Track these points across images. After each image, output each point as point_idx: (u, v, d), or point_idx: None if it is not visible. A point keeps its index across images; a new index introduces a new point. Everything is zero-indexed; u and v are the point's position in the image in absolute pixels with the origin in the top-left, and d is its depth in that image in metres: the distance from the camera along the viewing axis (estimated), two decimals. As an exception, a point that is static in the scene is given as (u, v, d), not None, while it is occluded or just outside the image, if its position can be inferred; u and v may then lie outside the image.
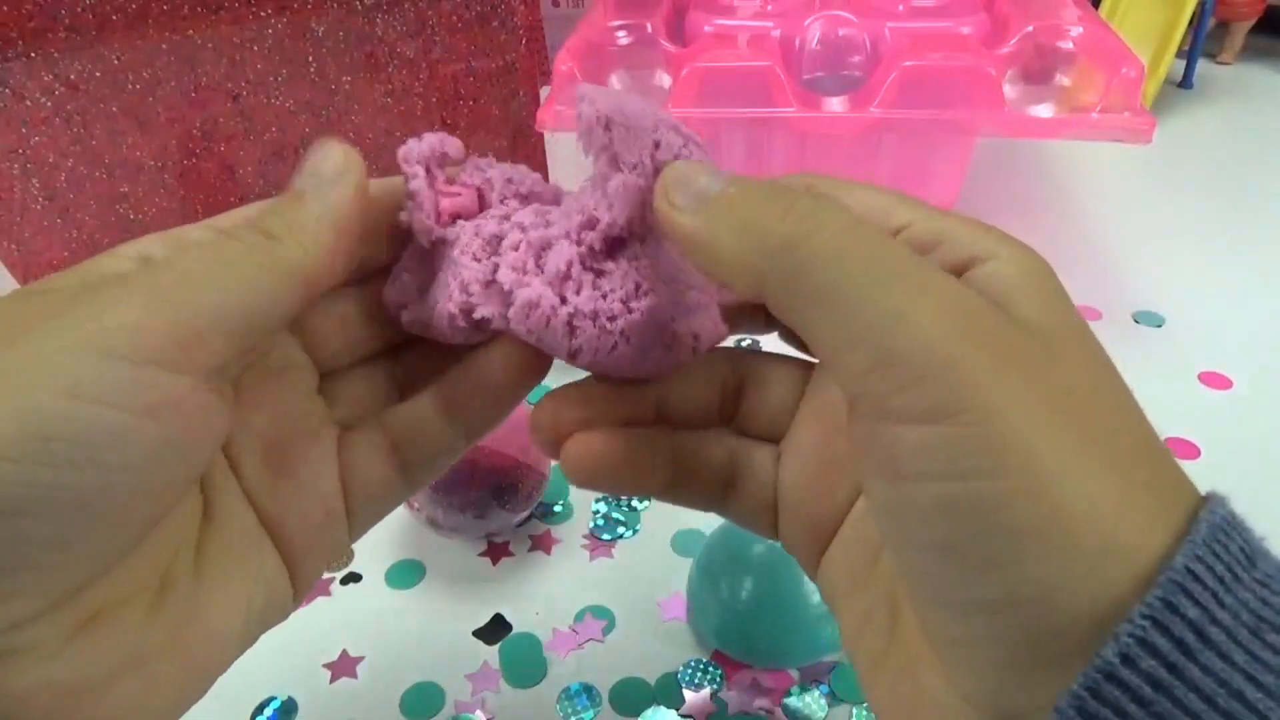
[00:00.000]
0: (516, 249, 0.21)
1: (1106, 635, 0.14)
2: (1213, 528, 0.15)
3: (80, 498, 0.15)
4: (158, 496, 0.17)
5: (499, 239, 0.21)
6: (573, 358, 0.20)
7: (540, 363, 0.22)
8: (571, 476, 0.21)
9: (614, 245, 0.21)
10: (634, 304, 0.20)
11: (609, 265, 0.21)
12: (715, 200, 0.18)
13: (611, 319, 0.20)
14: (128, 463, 0.16)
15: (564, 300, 0.20)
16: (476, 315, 0.21)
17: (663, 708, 0.33)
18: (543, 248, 0.21)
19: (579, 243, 0.20)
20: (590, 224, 0.20)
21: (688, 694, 0.33)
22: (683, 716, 0.33)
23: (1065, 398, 0.16)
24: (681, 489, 0.23)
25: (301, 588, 0.22)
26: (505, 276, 0.20)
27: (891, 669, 0.19)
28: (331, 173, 0.20)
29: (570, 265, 0.20)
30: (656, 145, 0.19)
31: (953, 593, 0.16)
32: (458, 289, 0.21)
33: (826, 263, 0.16)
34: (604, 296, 0.20)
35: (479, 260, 0.21)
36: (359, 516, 0.23)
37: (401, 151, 0.22)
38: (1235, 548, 0.15)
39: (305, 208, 0.19)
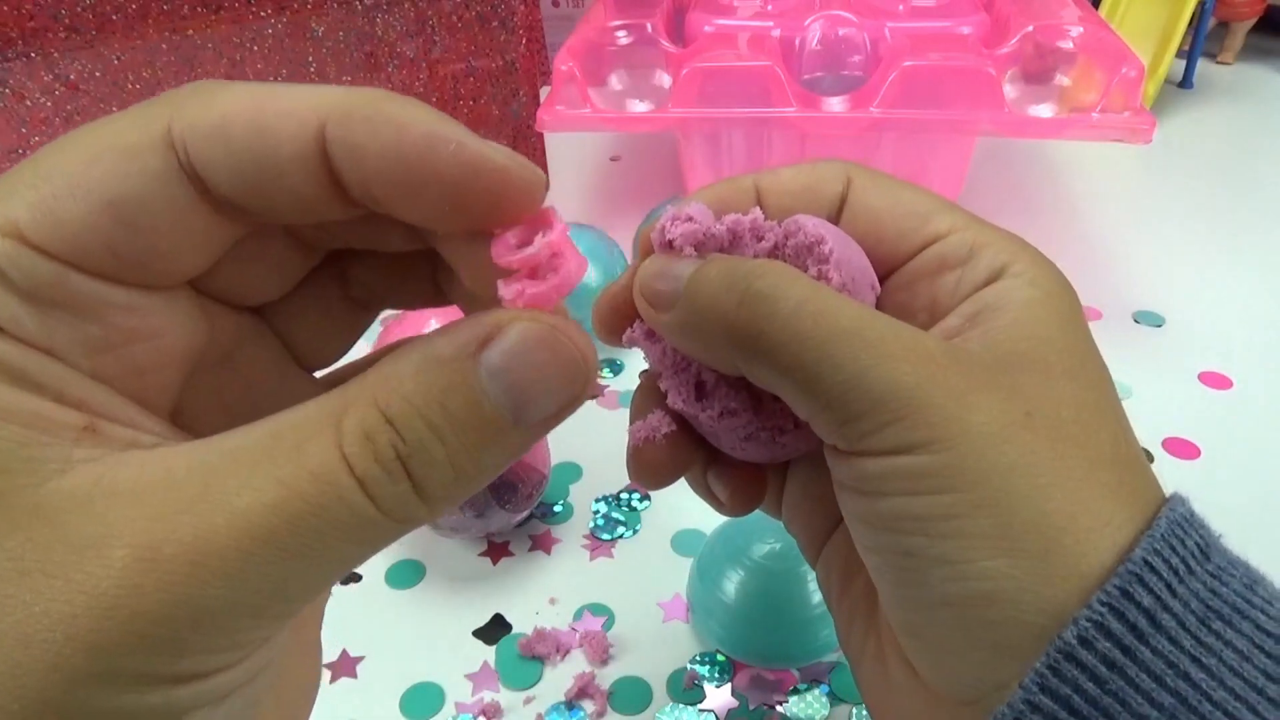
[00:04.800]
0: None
1: (1063, 623, 0.16)
2: (1171, 524, 0.17)
3: None
4: None
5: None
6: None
7: None
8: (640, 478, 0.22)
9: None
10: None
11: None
12: (683, 294, 0.19)
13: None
14: None
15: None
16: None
17: (680, 705, 0.33)
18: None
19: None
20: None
21: (709, 689, 0.33)
22: (703, 712, 0.33)
23: (1031, 417, 0.17)
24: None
25: None
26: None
27: (870, 657, 0.21)
28: (547, 411, 0.14)
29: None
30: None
31: (919, 591, 0.18)
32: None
33: (783, 348, 0.17)
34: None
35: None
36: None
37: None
38: (1191, 543, 0.17)
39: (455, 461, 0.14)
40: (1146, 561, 0.16)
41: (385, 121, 0.14)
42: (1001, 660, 0.17)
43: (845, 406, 0.17)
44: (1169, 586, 0.16)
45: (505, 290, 0.15)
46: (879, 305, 0.21)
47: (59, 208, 0.13)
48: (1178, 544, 0.17)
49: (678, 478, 0.22)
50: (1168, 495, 0.18)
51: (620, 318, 0.21)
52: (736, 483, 0.22)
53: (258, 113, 0.14)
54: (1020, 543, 0.17)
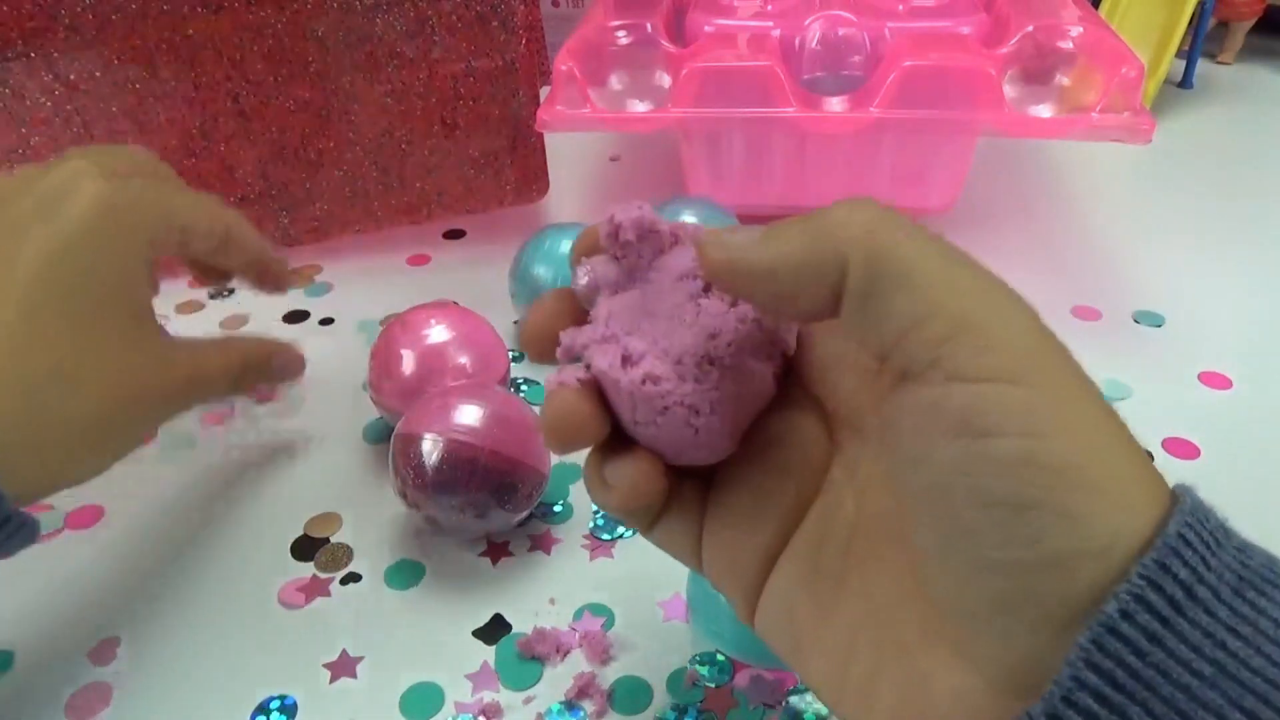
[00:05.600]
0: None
1: (1106, 597, 0.16)
2: (1194, 504, 0.17)
3: None
4: None
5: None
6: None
7: None
8: (599, 483, 0.23)
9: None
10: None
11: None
12: (769, 233, 0.20)
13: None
14: None
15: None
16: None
17: (679, 705, 0.33)
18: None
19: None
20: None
21: (709, 689, 0.33)
22: (702, 713, 0.33)
23: (1079, 376, 0.18)
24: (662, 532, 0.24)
25: None
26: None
27: (899, 683, 0.20)
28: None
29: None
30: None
31: (1013, 550, 0.17)
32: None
33: (903, 248, 0.18)
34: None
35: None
36: None
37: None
38: (1213, 522, 0.17)
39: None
40: (1181, 535, 0.16)
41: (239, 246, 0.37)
42: (1065, 635, 0.17)
43: (958, 316, 0.17)
44: (1203, 559, 0.16)
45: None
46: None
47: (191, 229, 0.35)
48: (1204, 521, 0.17)
49: (587, 440, 0.22)
50: (1173, 485, 0.19)
51: (550, 343, 0.23)
52: (636, 473, 0.22)
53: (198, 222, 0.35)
54: (1127, 499, 0.17)
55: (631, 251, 0.23)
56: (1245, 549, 0.17)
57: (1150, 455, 0.43)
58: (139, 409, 0.32)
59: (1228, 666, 0.16)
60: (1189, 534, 0.16)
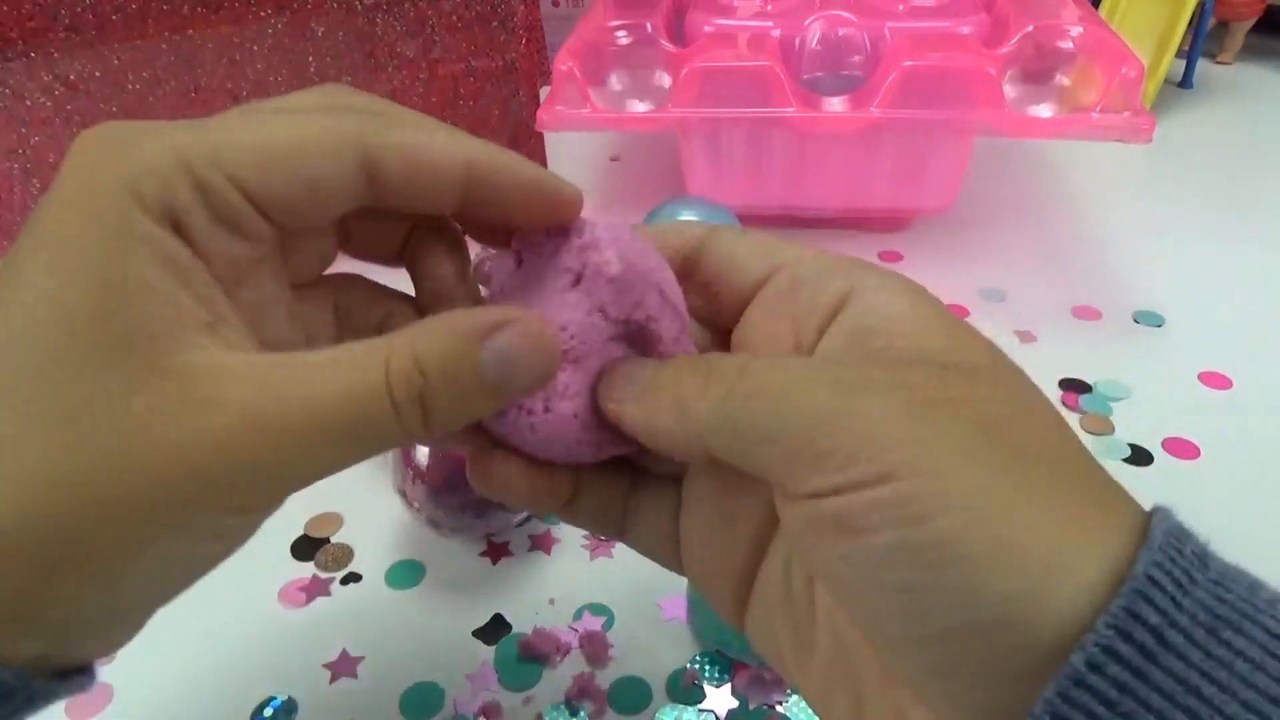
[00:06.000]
0: None
1: (1070, 645, 0.16)
2: (1167, 534, 0.16)
3: None
4: None
5: None
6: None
7: None
8: (475, 484, 0.23)
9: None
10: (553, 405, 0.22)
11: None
12: (648, 388, 0.21)
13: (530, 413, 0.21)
14: None
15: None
16: None
17: (680, 705, 0.33)
18: None
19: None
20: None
21: (709, 689, 0.33)
22: (703, 712, 0.33)
23: (987, 431, 0.17)
24: (580, 512, 0.23)
25: None
26: None
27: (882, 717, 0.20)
28: (522, 386, 0.19)
29: None
30: (637, 304, 0.21)
31: (919, 628, 0.17)
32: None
33: (750, 413, 0.19)
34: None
35: None
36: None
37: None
38: (1189, 551, 0.16)
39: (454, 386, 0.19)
40: (1150, 577, 0.16)
41: (507, 164, 0.21)
42: (1018, 686, 0.16)
43: (810, 448, 0.18)
44: (1174, 601, 0.16)
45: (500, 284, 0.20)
46: (745, 330, 0.22)
47: (270, 163, 0.18)
48: (1177, 555, 0.16)
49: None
50: (1152, 506, 0.18)
51: None
52: (502, 477, 0.22)
53: (425, 149, 0.20)
54: (1018, 561, 0.16)
55: (529, 252, 0.23)
56: (1222, 580, 0.16)
57: (1151, 457, 0.43)
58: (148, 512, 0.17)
59: (1201, 715, 0.15)
60: (1158, 574, 0.16)
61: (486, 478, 0.22)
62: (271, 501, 0.19)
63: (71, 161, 0.18)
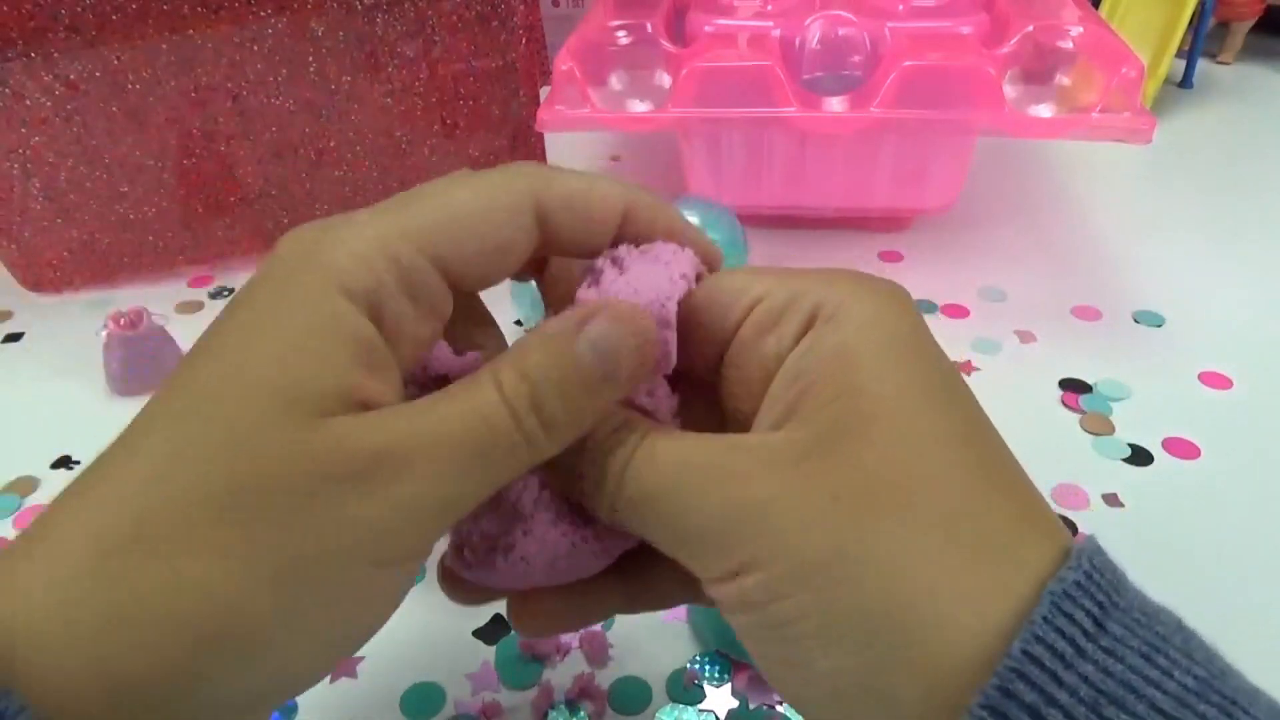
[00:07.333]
0: None
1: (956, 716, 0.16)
2: (1056, 600, 0.16)
3: None
4: None
5: None
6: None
7: None
8: (526, 633, 0.23)
9: None
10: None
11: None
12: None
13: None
14: None
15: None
16: None
17: (680, 705, 0.33)
18: None
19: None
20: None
21: (709, 689, 0.33)
22: (703, 712, 0.33)
23: (839, 500, 0.17)
24: (641, 605, 0.24)
25: None
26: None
27: None
28: (628, 368, 0.19)
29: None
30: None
31: (792, 694, 0.19)
32: None
33: (632, 520, 0.20)
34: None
35: None
36: None
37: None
38: (1082, 615, 0.16)
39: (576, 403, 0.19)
40: (1026, 653, 0.15)
41: (661, 209, 0.22)
42: None
43: (682, 548, 0.19)
44: (1054, 676, 0.15)
45: (583, 294, 0.21)
46: (725, 383, 0.21)
47: (464, 234, 0.19)
48: (1065, 623, 0.15)
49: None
50: (1066, 547, 0.17)
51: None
52: (524, 624, 0.23)
53: (587, 195, 0.21)
54: (862, 636, 0.16)
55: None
56: (1118, 645, 0.15)
57: (1151, 457, 0.43)
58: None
59: None
60: (1037, 649, 0.15)
61: (534, 619, 0.23)
62: (419, 544, 0.19)
63: (281, 251, 0.19)
